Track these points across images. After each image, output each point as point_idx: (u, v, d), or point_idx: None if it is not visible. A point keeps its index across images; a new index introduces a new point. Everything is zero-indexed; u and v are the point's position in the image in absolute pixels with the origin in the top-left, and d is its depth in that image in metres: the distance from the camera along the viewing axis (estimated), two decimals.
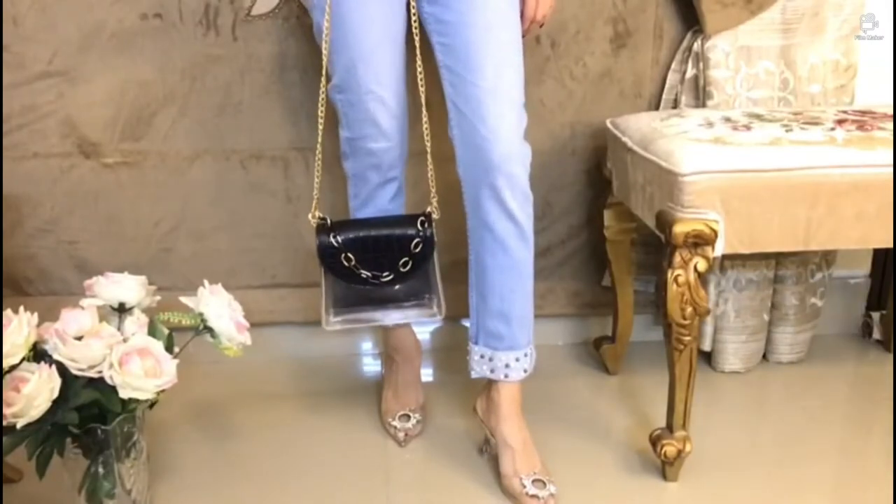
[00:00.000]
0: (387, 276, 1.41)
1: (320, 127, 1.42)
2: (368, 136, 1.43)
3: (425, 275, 1.42)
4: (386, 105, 1.40)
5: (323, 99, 1.41)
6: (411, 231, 1.40)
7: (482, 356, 1.46)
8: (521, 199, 1.35)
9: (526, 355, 1.45)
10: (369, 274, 1.40)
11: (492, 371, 1.45)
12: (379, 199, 1.51)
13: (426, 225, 1.41)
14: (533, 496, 1.38)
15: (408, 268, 1.41)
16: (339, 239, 1.40)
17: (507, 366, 1.44)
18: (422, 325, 1.78)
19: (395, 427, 1.59)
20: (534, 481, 1.40)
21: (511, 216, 1.36)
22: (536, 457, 1.44)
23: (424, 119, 1.41)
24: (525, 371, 1.45)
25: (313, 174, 1.78)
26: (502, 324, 1.43)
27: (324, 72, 1.40)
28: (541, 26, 1.43)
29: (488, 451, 1.52)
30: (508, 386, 1.45)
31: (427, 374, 1.84)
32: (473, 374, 1.48)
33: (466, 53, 1.33)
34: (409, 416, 1.60)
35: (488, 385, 1.49)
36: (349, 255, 1.40)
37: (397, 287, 1.42)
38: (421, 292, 1.43)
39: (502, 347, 1.44)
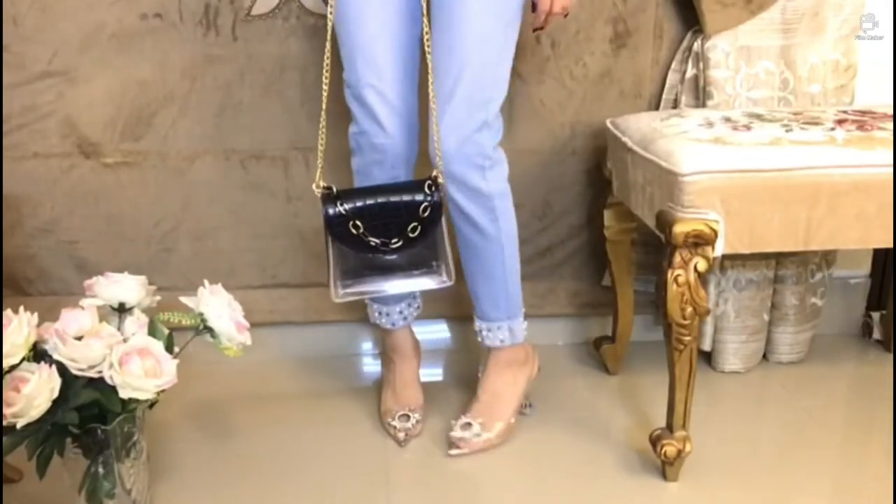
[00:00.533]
0: (396, 243, 1.39)
1: (325, 85, 1.43)
2: (370, 131, 1.43)
3: (433, 242, 1.41)
4: (386, 100, 1.41)
5: (327, 68, 1.42)
6: (419, 196, 1.39)
7: (474, 317, 1.60)
8: (471, 196, 1.43)
9: (500, 328, 1.56)
10: (378, 241, 1.39)
11: (476, 331, 1.59)
12: None
13: (433, 189, 1.39)
14: (451, 434, 1.54)
15: (416, 233, 1.39)
16: (347, 207, 1.38)
17: (481, 331, 1.58)
18: (419, 324, 1.78)
19: (395, 427, 1.59)
20: (463, 424, 1.55)
21: (462, 212, 1.45)
22: (498, 407, 1.57)
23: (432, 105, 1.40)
24: (501, 341, 1.57)
25: (313, 174, 1.78)
26: (474, 298, 1.56)
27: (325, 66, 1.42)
28: (565, 16, 1.43)
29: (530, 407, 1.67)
30: (489, 349, 1.59)
31: (427, 375, 1.84)
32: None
33: (438, 49, 1.38)
34: (408, 416, 1.60)
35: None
36: (357, 222, 1.38)
37: (406, 255, 1.41)
38: (429, 259, 1.41)
39: (478, 316, 1.58)
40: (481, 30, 1.36)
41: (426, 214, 1.39)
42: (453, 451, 1.53)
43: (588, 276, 1.91)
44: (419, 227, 1.39)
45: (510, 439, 1.58)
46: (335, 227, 1.38)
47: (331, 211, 1.38)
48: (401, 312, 1.61)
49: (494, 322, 1.56)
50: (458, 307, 1.84)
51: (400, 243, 1.39)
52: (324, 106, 1.42)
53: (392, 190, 1.41)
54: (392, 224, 1.39)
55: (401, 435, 1.57)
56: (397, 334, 1.64)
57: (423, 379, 1.70)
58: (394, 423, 1.59)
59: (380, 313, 1.61)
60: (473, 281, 1.54)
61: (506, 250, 1.51)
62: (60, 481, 1.27)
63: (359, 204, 1.39)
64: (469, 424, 1.54)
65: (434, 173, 1.40)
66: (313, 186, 1.40)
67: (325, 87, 1.41)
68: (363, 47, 1.40)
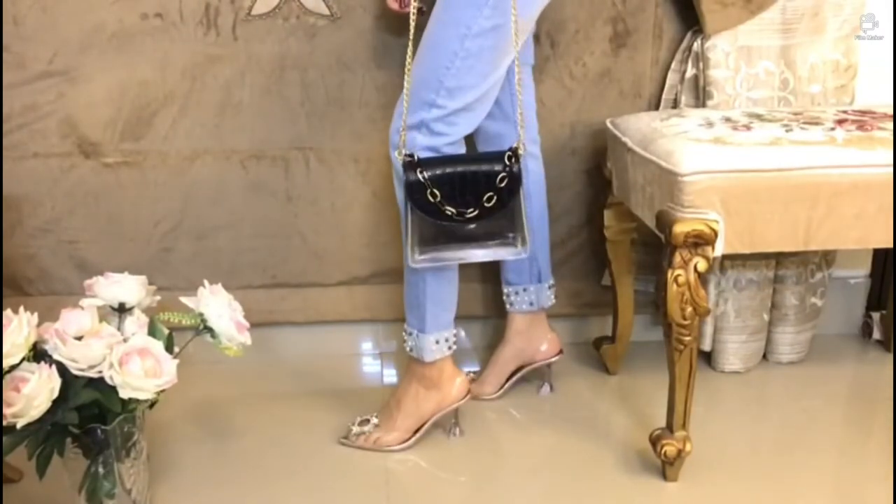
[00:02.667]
0: (471, 213, 1.38)
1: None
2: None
3: (510, 213, 1.40)
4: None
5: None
6: (498, 166, 1.39)
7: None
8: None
9: (409, 335, 1.57)
10: (454, 210, 1.38)
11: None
12: None
13: (513, 160, 1.39)
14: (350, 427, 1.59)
15: (492, 203, 1.38)
16: (426, 175, 1.38)
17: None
18: None
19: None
20: (360, 422, 1.59)
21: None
22: (391, 408, 1.59)
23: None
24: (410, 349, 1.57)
25: (313, 174, 1.79)
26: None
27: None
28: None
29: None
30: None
31: None
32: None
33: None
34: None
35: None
36: (435, 190, 1.37)
37: (482, 225, 1.40)
38: (505, 230, 1.41)
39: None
40: (435, 35, 1.38)
41: (503, 185, 1.38)
42: (343, 440, 1.58)
43: (588, 276, 1.91)
44: (495, 198, 1.38)
45: (518, 440, 1.58)
46: (414, 195, 1.38)
47: (411, 178, 1.37)
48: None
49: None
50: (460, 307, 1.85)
51: (476, 213, 1.38)
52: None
53: (471, 160, 1.42)
54: (469, 194, 1.38)
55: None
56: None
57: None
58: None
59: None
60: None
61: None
62: (60, 481, 1.27)
63: (437, 172, 1.38)
64: (367, 420, 1.59)
65: (515, 145, 1.39)
66: (395, 153, 1.40)
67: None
68: None
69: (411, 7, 1.39)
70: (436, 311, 1.52)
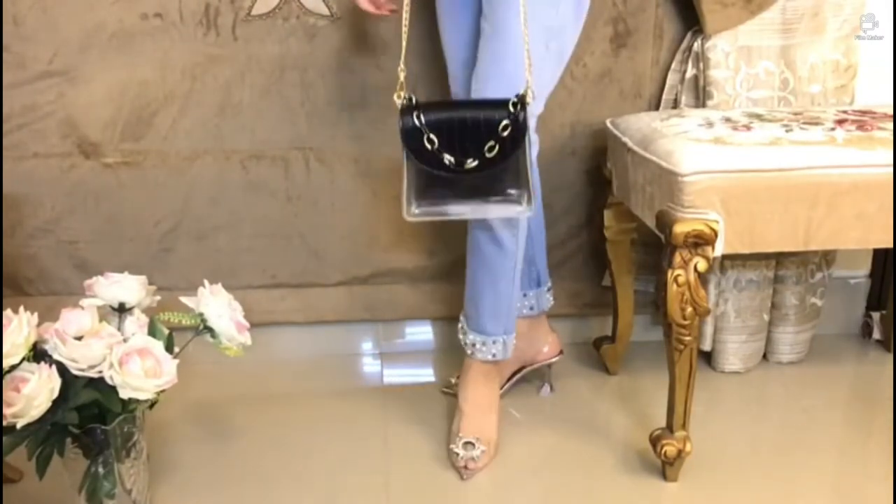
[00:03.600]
0: (471, 163, 1.28)
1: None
2: None
3: (515, 167, 1.29)
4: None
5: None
6: (501, 113, 1.27)
7: (461, 326, 1.57)
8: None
9: (495, 342, 1.53)
10: (452, 159, 1.28)
11: (463, 344, 1.56)
12: None
13: (518, 108, 1.27)
14: (455, 454, 1.49)
15: (494, 153, 1.28)
16: (423, 119, 1.28)
17: (474, 344, 1.54)
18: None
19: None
20: (465, 443, 1.49)
21: (487, 226, 1.43)
22: (487, 424, 1.53)
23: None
24: (493, 356, 1.53)
25: (313, 174, 1.79)
26: (473, 308, 1.53)
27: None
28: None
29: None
30: (475, 362, 1.55)
31: (427, 376, 1.85)
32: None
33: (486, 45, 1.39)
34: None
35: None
36: (432, 136, 1.28)
37: (484, 178, 1.30)
38: (508, 186, 1.30)
39: (471, 327, 1.54)
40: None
41: (506, 134, 1.27)
42: (467, 476, 1.48)
43: (588, 276, 1.91)
44: (497, 147, 1.28)
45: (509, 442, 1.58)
46: (410, 142, 1.29)
47: (407, 123, 1.28)
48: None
49: (491, 336, 1.53)
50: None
51: (476, 163, 1.28)
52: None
53: (473, 105, 1.32)
54: (469, 142, 1.28)
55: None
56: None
57: (413, 381, 1.69)
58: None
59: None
60: (478, 293, 1.50)
61: (517, 265, 1.48)
62: (60, 481, 1.27)
63: (435, 117, 1.29)
64: (472, 444, 1.50)
65: (523, 91, 1.27)
66: (394, 97, 1.29)
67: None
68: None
69: (404, 9, 1.31)
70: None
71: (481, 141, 1.28)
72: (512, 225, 1.43)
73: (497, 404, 1.58)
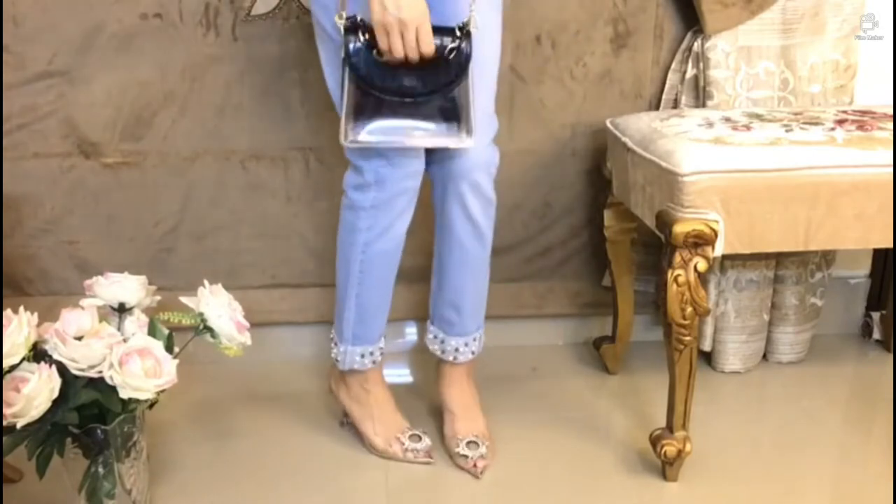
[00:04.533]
0: (420, 88, 1.28)
1: None
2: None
3: (457, 97, 1.29)
4: None
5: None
6: (445, 39, 1.26)
7: (435, 336, 1.56)
8: (483, 204, 1.44)
9: (475, 339, 1.55)
10: (403, 83, 1.27)
11: (442, 353, 1.55)
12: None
13: (462, 35, 1.27)
14: (463, 456, 1.49)
15: (441, 78, 1.27)
16: (368, 37, 1.26)
17: (456, 349, 1.54)
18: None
19: (416, 450, 1.52)
20: (468, 443, 1.50)
21: (471, 218, 1.44)
22: (479, 420, 1.55)
23: None
24: (473, 353, 1.55)
25: (313, 174, 1.79)
26: (454, 313, 1.53)
27: None
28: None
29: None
30: (458, 365, 1.56)
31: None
32: (428, 346, 1.58)
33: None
34: (419, 436, 1.54)
35: (439, 360, 1.58)
36: (378, 59, 1.26)
37: (426, 107, 1.29)
38: (451, 116, 1.30)
39: (453, 333, 1.54)
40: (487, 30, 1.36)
41: (451, 57, 1.27)
42: (480, 474, 1.48)
43: (588, 276, 1.91)
44: (444, 73, 1.27)
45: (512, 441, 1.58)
46: (357, 64, 1.26)
47: (351, 44, 1.26)
48: (381, 349, 1.54)
49: (471, 334, 1.54)
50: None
51: (425, 88, 1.28)
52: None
53: None
54: (415, 68, 1.26)
55: (422, 456, 1.52)
56: (375, 369, 1.56)
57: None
58: (409, 444, 1.52)
59: (362, 356, 1.51)
60: (460, 294, 1.51)
61: (489, 258, 1.52)
62: (60, 481, 1.27)
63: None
64: (475, 443, 1.51)
65: (466, 19, 1.27)
66: (335, 18, 1.27)
67: None
68: None
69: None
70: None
71: (427, 66, 1.26)
72: (490, 217, 1.46)
73: (478, 398, 1.60)
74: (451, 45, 1.27)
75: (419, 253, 1.85)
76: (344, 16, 1.26)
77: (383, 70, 1.27)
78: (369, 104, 1.28)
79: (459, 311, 1.52)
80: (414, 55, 1.24)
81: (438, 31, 1.27)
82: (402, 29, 1.20)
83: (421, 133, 1.30)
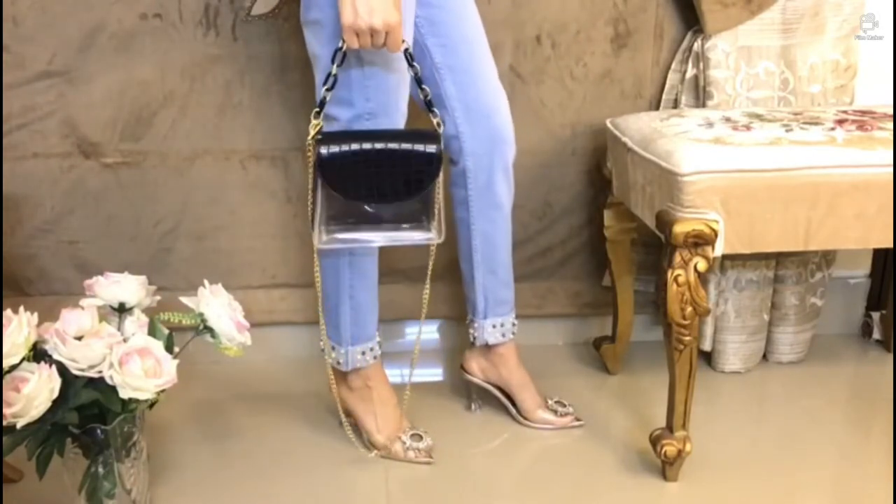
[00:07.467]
0: (392, 197, 1.31)
1: None
2: None
3: (427, 196, 1.31)
4: None
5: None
6: (419, 146, 1.29)
7: (494, 326, 1.60)
8: (508, 181, 1.55)
9: (513, 309, 1.63)
10: (374, 191, 1.30)
11: (503, 335, 1.61)
12: None
13: (435, 141, 1.30)
14: (564, 414, 1.63)
15: (413, 186, 1.30)
16: (340, 149, 1.27)
17: (513, 325, 1.62)
18: (413, 324, 1.78)
19: (418, 449, 1.52)
20: (557, 401, 1.65)
21: (507, 179, 1.54)
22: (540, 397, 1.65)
23: None
24: (514, 324, 1.63)
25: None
26: (507, 290, 1.61)
27: None
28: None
29: (479, 408, 1.68)
30: (512, 343, 1.63)
31: (429, 375, 1.85)
32: (479, 343, 1.61)
33: (470, 50, 1.44)
34: (420, 436, 1.54)
35: (486, 346, 1.62)
36: (350, 171, 1.28)
37: (396, 207, 1.32)
38: (419, 214, 1.33)
39: (508, 311, 1.61)
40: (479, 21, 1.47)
41: (430, 167, 1.30)
42: (548, 426, 1.62)
43: (588, 276, 1.91)
44: (416, 181, 1.30)
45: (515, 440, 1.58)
46: (326, 173, 1.28)
47: (323, 152, 1.27)
48: (378, 342, 1.55)
49: (514, 308, 1.63)
50: (460, 307, 1.84)
51: (397, 197, 1.31)
52: None
53: (391, 137, 1.31)
54: (387, 176, 1.29)
55: (422, 455, 1.52)
56: (376, 364, 1.56)
57: (420, 380, 1.69)
58: (410, 443, 1.53)
59: (363, 353, 1.52)
60: (506, 268, 1.59)
61: None
62: (60, 481, 1.27)
63: (354, 147, 1.27)
64: (561, 402, 1.65)
65: (436, 121, 1.32)
66: (310, 127, 1.28)
67: None
68: None
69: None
70: None
71: (398, 173, 1.29)
72: (510, 190, 1.54)
73: None
74: (426, 153, 1.28)
75: (419, 253, 1.85)
76: (320, 126, 1.28)
77: (359, 182, 1.29)
78: (340, 208, 1.31)
79: (509, 286, 1.60)
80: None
81: (409, 135, 1.31)
82: (372, 34, 1.20)
83: (391, 229, 1.34)
